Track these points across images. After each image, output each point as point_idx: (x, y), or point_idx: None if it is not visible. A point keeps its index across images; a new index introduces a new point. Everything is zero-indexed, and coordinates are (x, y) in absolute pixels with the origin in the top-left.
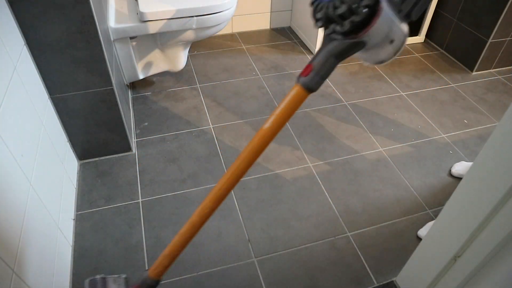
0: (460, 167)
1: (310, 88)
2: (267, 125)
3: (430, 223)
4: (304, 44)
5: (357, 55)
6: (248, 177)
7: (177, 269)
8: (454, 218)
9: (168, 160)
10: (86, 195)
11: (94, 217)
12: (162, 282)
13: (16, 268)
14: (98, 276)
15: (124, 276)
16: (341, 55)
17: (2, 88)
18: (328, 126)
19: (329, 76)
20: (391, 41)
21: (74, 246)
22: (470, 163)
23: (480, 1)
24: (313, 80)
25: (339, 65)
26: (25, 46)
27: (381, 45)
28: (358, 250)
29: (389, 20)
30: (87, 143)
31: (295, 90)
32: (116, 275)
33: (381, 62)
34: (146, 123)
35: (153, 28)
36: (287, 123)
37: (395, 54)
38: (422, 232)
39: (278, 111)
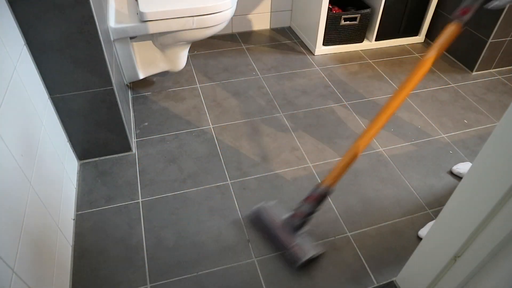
0: (462, 166)
1: (467, 23)
2: (430, 53)
3: (430, 223)
4: (304, 44)
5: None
6: (248, 177)
7: (177, 269)
8: (454, 218)
9: (168, 160)
10: (86, 195)
11: (94, 217)
12: (163, 281)
13: (16, 268)
14: (260, 205)
15: (276, 201)
16: (485, 1)
17: (2, 88)
18: (328, 126)
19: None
20: None
21: (74, 246)
22: None
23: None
24: (470, 17)
25: (340, 65)
26: (25, 46)
27: None
28: (358, 250)
29: None
30: (87, 143)
31: (453, 27)
32: (271, 202)
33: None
34: (146, 123)
35: (153, 28)
36: (287, 123)
37: None
38: (422, 232)
39: (439, 41)
